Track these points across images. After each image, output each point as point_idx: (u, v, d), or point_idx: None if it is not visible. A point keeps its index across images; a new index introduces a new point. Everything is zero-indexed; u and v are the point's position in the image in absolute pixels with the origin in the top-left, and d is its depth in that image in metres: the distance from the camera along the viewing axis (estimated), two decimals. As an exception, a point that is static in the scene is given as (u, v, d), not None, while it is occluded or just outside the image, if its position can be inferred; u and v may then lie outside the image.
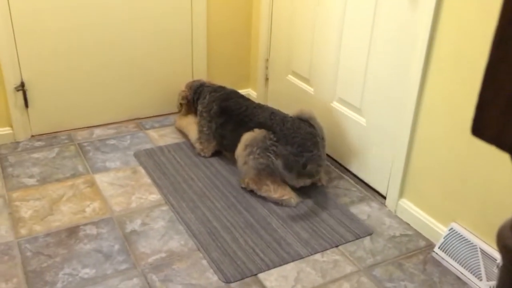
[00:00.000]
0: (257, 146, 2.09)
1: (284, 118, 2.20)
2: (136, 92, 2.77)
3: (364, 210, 2.15)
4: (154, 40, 2.70)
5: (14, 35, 2.36)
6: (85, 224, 1.98)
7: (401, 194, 2.10)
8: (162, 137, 2.67)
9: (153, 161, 2.42)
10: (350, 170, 2.41)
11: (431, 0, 1.76)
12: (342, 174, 2.40)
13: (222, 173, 2.34)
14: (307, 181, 2.19)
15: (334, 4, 2.28)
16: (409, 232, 2.03)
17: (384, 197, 2.21)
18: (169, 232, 1.96)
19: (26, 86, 2.48)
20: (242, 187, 2.21)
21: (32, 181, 2.23)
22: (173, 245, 1.89)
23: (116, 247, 1.87)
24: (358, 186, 2.32)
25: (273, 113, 2.23)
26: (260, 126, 2.18)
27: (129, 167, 2.38)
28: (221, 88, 2.52)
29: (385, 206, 2.18)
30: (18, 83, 2.45)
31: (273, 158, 2.08)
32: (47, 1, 2.37)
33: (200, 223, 2.00)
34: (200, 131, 2.46)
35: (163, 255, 1.84)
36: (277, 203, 2.13)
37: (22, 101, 2.49)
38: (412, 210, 2.05)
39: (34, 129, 2.59)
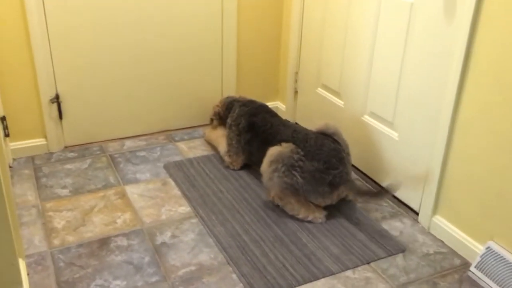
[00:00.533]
0: (283, 163, 2.05)
1: (306, 135, 2.15)
2: (166, 104, 2.80)
3: (396, 226, 2.10)
4: (185, 53, 2.73)
5: (50, 50, 2.42)
6: (116, 236, 1.99)
7: (435, 211, 2.05)
8: (192, 149, 2.69)
9: (182, 173, 2.43)
10: (381, 185, 2.36)
11: (468, 11, 1.73)
12: (373, 189, 2.36)
13: (251, 186, 2.34)
14: (334, 200, 2.13)
15: (366, 15, 2.26)
16: (444, 250, 1.97)
17: (417, 213, 2.16)
18: (199, 245, 1.95)
19: (61, 98, 2.54)
20: (269, 199, 2.20)
21: (65, 192, 2.27)
22: (203, 258, 1.89)
23: (147, 259, 1.87)
24: (389, 201, 2.27)
25: (296, 131, 2.18)
26: None
27: (159, 178, 2.40)
28: (251, 102, 2.52)
29: (418, 222, 2.13)
30: (53, 95, 2.51)
31: (298, 177, 2.03)
32: (82, 18, 2.43)
33: (229, 236, 1.99)
34: (229, 144, 2.46)
35: (193, 268, 1.84)
36: (306, 219, 2.10)
37: (56, 113, 2.55)
38: (446, 227, 2.00)
39: (67, 140, 2.64)
